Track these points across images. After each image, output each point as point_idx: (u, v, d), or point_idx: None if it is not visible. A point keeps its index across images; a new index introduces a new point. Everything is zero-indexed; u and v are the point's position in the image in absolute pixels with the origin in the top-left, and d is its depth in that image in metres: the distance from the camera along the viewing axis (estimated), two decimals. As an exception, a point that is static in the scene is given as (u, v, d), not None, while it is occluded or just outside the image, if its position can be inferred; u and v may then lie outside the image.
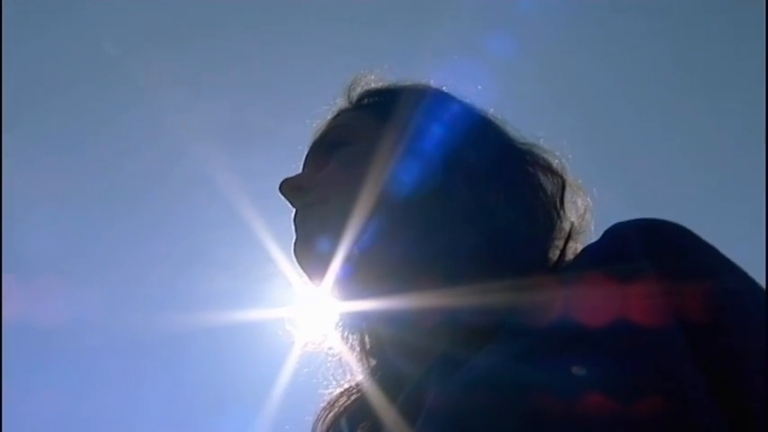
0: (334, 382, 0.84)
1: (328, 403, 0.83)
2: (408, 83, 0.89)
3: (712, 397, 0.50)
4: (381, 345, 0.80)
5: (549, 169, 0.80)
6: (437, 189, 0.76)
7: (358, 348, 0.84)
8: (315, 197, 0.79)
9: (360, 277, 0.75)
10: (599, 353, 0.53)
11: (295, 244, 0.79)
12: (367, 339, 0.84)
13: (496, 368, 0.56)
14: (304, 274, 0.79)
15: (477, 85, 0.90)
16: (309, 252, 0.77)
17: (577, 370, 0.52)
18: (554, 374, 0.53)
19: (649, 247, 0.57)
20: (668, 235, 0.59)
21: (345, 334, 0.84)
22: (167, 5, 3.84)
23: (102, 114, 3.87)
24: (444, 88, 0.88)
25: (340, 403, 0.83)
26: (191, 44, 3.90)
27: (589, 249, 0.66)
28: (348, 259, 0.74)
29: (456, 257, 0.71)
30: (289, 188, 0.83)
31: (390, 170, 0.78)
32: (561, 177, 0.79)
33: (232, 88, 3.96)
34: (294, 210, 0.83)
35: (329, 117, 0.90)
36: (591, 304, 0.56)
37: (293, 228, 0.82)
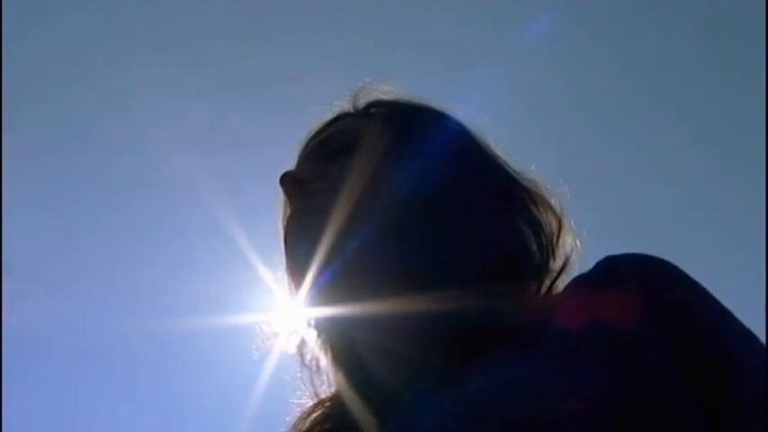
0: (308, 392, 0.83)
1: (302, 414, 0.82)
2: (420, 99, 0.90)
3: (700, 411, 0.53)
4: (359, 351, 0.78)
5: (549, 208, 0.81)
6: (436, 208, 0.76)
7: (335, 355, 0.82)
8: (317, 191, 0.78)
9: (348, 280, 0.74)
10: (595, 370, 0.56)
11: (291, 234, 0.78)
12: (344, 345, 0.81)
13: (502, 392, 0.58)
14: (293, 268, 0.77)
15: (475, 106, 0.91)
16: (306, 242, 0.76)
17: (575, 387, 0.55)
18: (553, 398, 0.55)
19: (644, 279, 0.60)
20: (661, 269, 0.62)
21: (323, 340, 0.83)
22: (148, 11, 3.82)
23: (84, 120, 3.84)
24: (450, 109, 0.89)
25: (315, 415, 0.81)
26: (173, 49, 3.89)
27: (581, 278, 0.68)
28: (340, 259, 0.74)
29: (447, 275, 0.72)
30: (290, 180, 0.81)
31: (394, 182, 0.78)
32: (559, 219, 0.80)
33: (214, 92, 3.95)
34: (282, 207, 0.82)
35: (330, 118, 0.90)
36: (584, 321, 0.60)
37: (285, 222, 0.80)
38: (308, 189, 0.79)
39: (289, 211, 0.82)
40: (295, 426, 0.81)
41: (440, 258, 0.73)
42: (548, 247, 0.77)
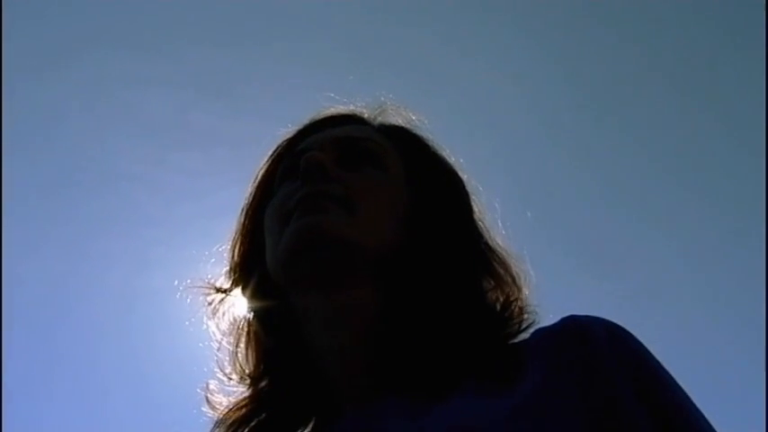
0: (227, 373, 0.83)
1: (230, 413, 0.81)
2: (433, 141, 0.90)
3: None
4: (316, 347, 0.78)
5: (511, 267, 0.82)
6: (415, 253, 0.78)
7: (282, 345, 0.82)
8: (339, 192, 0.77)
9: (333, 275, 0.75)
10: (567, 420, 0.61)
11: (299, 220, 0.76)
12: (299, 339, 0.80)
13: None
14: (283, 250, 0.76)
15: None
16: (311, 236, 0.75)
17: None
18: None
19: (610, 343, 0.65)
20: (623, 335, 0.68)
21: (271, 325, 0.83)
22: (117, 4, 3.78)
23: (41, 108, 3.78)
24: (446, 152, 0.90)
25: (240, 415, 0.81)
26: (139, 42, 3.85)
27: (546, 332, 0.70)
28: (333, 264, 0.75)
29: (412, 319, 0.73)
30: (313, 164, 0.78)
31: (397, 225, 0.79)
32: (521, 276, 0.82)
33: (176, 87, 3.92)
34: (294, 187, 0.79)
35: (348, 113, 0.91)
36: (552, 372, 0.64)
37: (289, 202, 0.78)
38: (326, 186, 0.78)
39: (297, 183, 0.80)
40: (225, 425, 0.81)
41: (395, 308, 0.75)
42: (512, 303, 0.78)
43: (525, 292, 0.80)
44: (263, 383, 0.82)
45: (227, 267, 0.87)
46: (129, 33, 3.83)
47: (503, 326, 0.74)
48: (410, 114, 0.93)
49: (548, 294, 0.82)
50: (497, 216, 0.87)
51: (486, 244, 0.83)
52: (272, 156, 0.90)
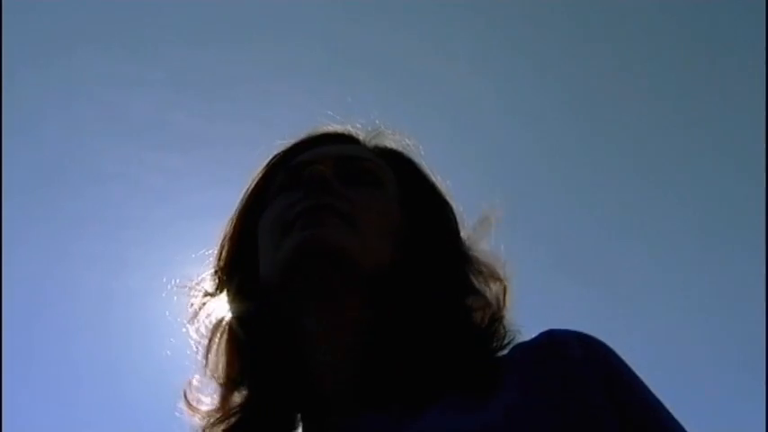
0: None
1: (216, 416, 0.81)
2: (426, 167, 0.92)
3: None
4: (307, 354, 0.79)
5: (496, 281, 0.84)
6: (406, 272, 0.79)
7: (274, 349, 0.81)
8: (343, 207, 0.78)
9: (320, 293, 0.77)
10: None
11: (303, 231, 0.76)
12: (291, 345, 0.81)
13: None
14: (283, 259, 0.76)
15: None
16: (315, 248, 0.76)
17: None
18: None
19: (587, 355, 0.68)
20: (602, 348, 0.70)
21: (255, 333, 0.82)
22: (96, 1, 3.75)
23: (20, 106, 3.73)
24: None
25: (219, 420, 0.81)
26: (120, 41, 3.83)
27: (525, 346, 0.73)
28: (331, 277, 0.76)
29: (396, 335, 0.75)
30: (317, 177, 0.79)
31: (393, 237, 0.81)
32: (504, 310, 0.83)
33: (157, 86, 3.89)
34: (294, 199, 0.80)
35: (344, 132, 0.92)
36: (534, 384, 0.66)
37: (289, 213, 0.79)
38: (330, 200, 0.78)
39: (297, 195, 0.80)
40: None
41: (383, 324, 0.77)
42: (495, 322, 0.80)
43: (508, 312, 0.81)
44: (243, 389, 0.82)
45: (213, 270, 0.87)
46: (110, 32, 3.80)
47: (486, 342, 0.76)
48: (405, 139, 0.94)
49: (528, 297, 0.84)
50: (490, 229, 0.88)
51: (474, 268, 0.84)
52: (266, 166, 0.90)
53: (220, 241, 0.88)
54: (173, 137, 3.86)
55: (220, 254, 0.87)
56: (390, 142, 0.94)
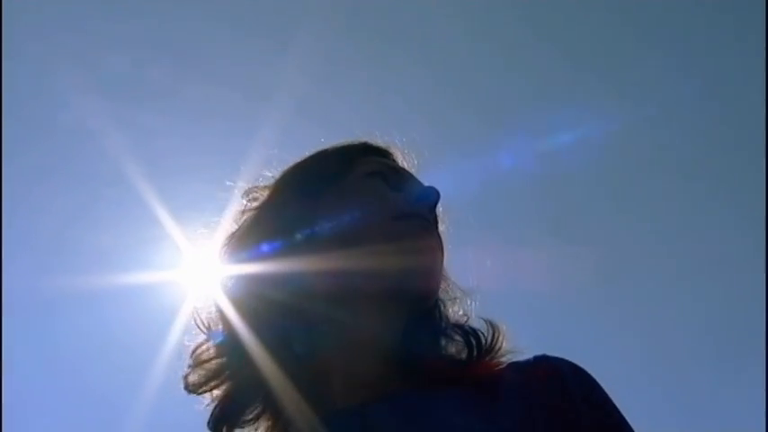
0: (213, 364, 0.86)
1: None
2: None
3: None
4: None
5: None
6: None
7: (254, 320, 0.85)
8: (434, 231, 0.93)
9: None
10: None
11: (422, 240, 0.87)
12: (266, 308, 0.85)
13: None
14: (410, 255, 0.86)
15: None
16: (428, 259, 0.88)
17: None
18: None
19: (574, 375, 0.81)
20: (583, 372, 0.82)
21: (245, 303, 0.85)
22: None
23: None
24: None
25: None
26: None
27: (522, 366, 0.84)
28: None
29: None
30: (436, 199, 0.92)
31: None
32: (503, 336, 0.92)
33: (134, 43, 3.80)
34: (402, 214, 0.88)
35: (400, 153, 1.02)
36: (532, 395, 0.78)
37: (405, 206, 0.89)
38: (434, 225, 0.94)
39: (400, 195, 0.92)
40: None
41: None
42: (497, 342, 0.89)
43: (506, 339, 0.90)
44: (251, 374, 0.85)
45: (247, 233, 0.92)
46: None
47: (487, 354, 0.86)
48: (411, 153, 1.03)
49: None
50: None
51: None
52: (324, 154, 0.98)
53: (266, 205, 0.96)
54: (148, 93, 3.78)
55: (269, 218, 0.93)
56: (410, 162, 1.03)
